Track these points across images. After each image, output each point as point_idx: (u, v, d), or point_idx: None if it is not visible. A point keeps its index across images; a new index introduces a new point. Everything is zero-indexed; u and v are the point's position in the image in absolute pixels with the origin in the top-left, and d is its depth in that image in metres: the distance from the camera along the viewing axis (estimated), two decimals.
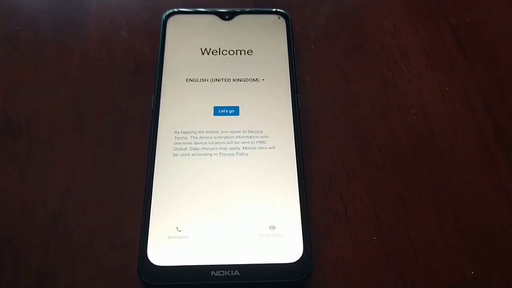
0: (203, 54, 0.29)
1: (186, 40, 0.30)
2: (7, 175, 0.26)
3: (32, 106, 0.28)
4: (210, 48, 0.29)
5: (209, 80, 0.28)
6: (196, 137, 0.26)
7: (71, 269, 0.24)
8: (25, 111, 0.28)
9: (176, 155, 0.26)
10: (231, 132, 0.26)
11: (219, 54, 0.29)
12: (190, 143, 0.26)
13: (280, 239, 0.23)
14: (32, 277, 0.24)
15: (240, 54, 0.29)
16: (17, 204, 0.25)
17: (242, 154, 0.26)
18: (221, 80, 0.28)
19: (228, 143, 0.26)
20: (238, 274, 0.22)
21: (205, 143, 0.26)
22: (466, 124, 0.28)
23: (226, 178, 0.25)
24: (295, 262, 0.23)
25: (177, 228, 0.24)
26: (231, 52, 0.29)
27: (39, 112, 0.28)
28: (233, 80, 0.28)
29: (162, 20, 0.30)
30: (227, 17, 0.30)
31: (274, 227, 0.24)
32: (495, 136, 0.28)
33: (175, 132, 0.26)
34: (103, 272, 0.24)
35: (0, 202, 0.25)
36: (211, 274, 0.22)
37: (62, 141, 0.27)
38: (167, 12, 0.30)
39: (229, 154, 0.26)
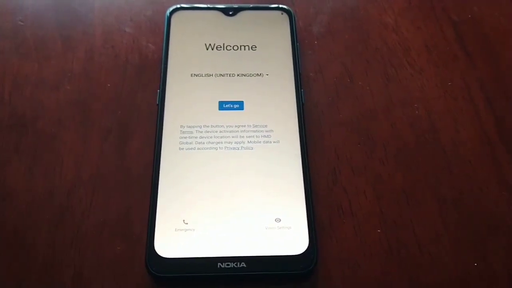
0: (207, 49, 0.29)
1: (191, 36, 0.30)
2: (14, 169, 0.26)
3: (38, 100, 0.29)
4: (215, 44, 0.29)
5: (213, 75, 0.28)
6: (202, 132, 0.26)
7: (78, 262, 0.24)
8: (31, 106, 0.28)
9: (182, 149, 0.26)
10: (236, 126, 0.27)
11: (224, 49, 0.29)
12: (196, 137, 0.26)
13: (285, 232, 0.24)
14: (40, 269, 0.24)
15: (244, 49, 0.29)
16: (24, 198, 0.26)
17: (247, 148, 0.26)
18: (226, 75, 0.28)
19: (233, 137, 0.26)
20: (245, 266, 0.23)
21: (211, 137, 0.26)
22: (468, 118, 0.29)
23: (232, 172, 0.25)
24: (300, 254, 0.23)
25: (183, 220, 0.24)
26: (235, 48, 0.29)
27: (45, 106, 0.28)
28: (238, 75, 0.28)
29: (166, 16, 0.30)
30: (231, 13, 0.31)
31: (280, 220, 0.24)
32: (497, 131, 0.28)
33: (181, 126, 0.27)
34: (111, 264, 0.24)
35: (7, 196, 0.26)
36: (218, 266, 0.23)
37: (68, 135, 0.27)
38: (171, 8, 0.31)
39: (234, 148, 0.26)
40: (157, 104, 0.27)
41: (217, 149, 0.26)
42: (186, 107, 0.27)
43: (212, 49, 0.29)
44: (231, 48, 0.29)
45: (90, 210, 0.25)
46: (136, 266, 0.24)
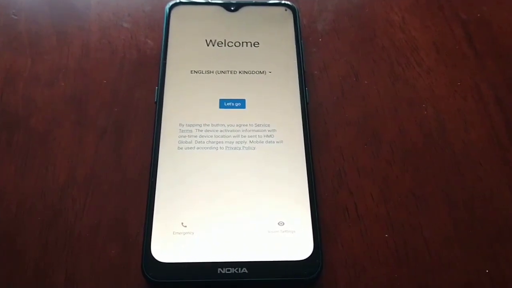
0: (208, 45, 0.28)
1: (191, 32, 0.29)
2: (4, 169, 0.25)
3: (31, 97, 0.27)
4: (216, 40, 0.28)
5: (214, 72, 0.27)
6: (202, 130, 0.25)
7: (71, 266, 0.23)
8: (23, 103, 0.27)
9: (181, 148, 0.25)
10: (237, 125, 0.26)
11: (225, 45, 0.28)
12: (195, 136, 0.25)
13: (289, 236, 0.23)
14: (30, 273, 0.23)
15: (246, 46, 0.28)
16: (15, 199, 0.24)
17: (249, 148, 0.25)
18: (227, 72, 0.27)
19: (234, 136, 0.25)
20: (246, 271, 0.22)
21: (211, 136, 0.25)
22: (478, 119, 0.28)
23: (233, 173, 0.24)
24: (305, 259, 0.22)
25: (182, 223, 0.23)
26: (237, 44, 0.28)
27: (38, 104, 0.27)
28: (239, 72, 0.27)
29: (166, 11, 0.29)
30: (232, 8, 0.30)
31: (283, 223, 0.23)
32: (507, 131, 0.27)
33: (180, 125, 0.25)
34: (105, 269, 0.23)
35: None
36: (218, 272, 0.22)
37: (62, 134, 0.26)
38: (171, 3, 0.29)
39: (235, 148, 0.25)
40: (155, 102, 0.26)
41: (217, 149, 0.25)
42: (185, 105, 0.26)
43: (213, 45, 0.28)
44: (233, 44, 0.28)
45: (84, 212, 0.24)
46: (132, 271, 0.23)
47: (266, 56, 0.28)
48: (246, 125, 0.26)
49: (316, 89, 0.28)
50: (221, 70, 0.27)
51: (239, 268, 0.22)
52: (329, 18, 0.31)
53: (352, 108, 0.28)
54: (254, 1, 0.30)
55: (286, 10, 0.30)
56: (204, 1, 0.30)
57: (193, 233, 0.22)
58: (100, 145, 0.26)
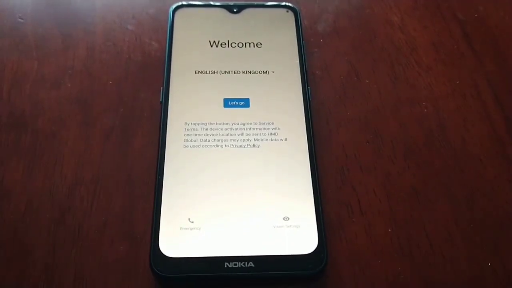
0: (211, 46, 0.29)
1: (195, 33, 0.29)
2: (12, 169, 0.25)
3: (38, 99, 0.28)
4: (219, 41, 0.29)
5: (218, 72, 0.28)
6: (207, 129, 0.26)
7: (80, 263, 0.23)
8: (30, 104, 0.28)
9: (187, 146, 0.25)
10: (241, 124, 0.26)
11: (228, 46, 0.29)
12: (201, 135, 0.26)
13: (294, 230, 0.23)
14: (39, 271, 0.23)
15: (249, 46, 0.29)
16: (24, 198, 0.25)
17: (253, 145, 0.25)
18: (231, 72, 0.28)
19: (239, 134, 0.26)
20: (253, 265, 0.22)
21: (216, 134, 0.26)
22: (477, 116, 0.28)
23: (238, 170, 0.25)
24: (310, 253, 0.22)
25: (189, 219, 0.23)
26: (240, 45, 0.29)
27: (45, 105, 0.28)
28: (243, 72, 0.28)
29: (170, 13, 0.30)
30: (235, 10, 0.30)
31: (288, 218, 0.23)
32: (506, 128, 0.28)
33: (185, 123, 0.26)
34: (114, 265, 0.23)
35: (6, 196, 0.25)
36: (225, 266, 0.22)
37: (68, 134, 0.27)
38: (175, 5, 0.30)
39: (240, 146, 0.25)
40: (161, 102, 0.27)
41: (222, 147, 0.25)
42: (190, 105, 0.27)
43: (217, 46, 0.29)
44: (236, 45, 0.29)
45: (92, 209, 0.24)
46: (140, 266, 0.23)
47: (269, 57, 0.29)
48: (250, 123, 0.26)
49: (318, 88, 0.29)
50: (225, 70, 0.28)
51: (246, 262, 0.22)
52: (329, 19, 0.32)
53: (353, 106, 0.28)
54: (256, 3, 0.31)
55: (287, 11, 0.30)
56: (207, 3, 0.30)
57: (200, 229, 0.23)
58: (106, 145, 0.26)
